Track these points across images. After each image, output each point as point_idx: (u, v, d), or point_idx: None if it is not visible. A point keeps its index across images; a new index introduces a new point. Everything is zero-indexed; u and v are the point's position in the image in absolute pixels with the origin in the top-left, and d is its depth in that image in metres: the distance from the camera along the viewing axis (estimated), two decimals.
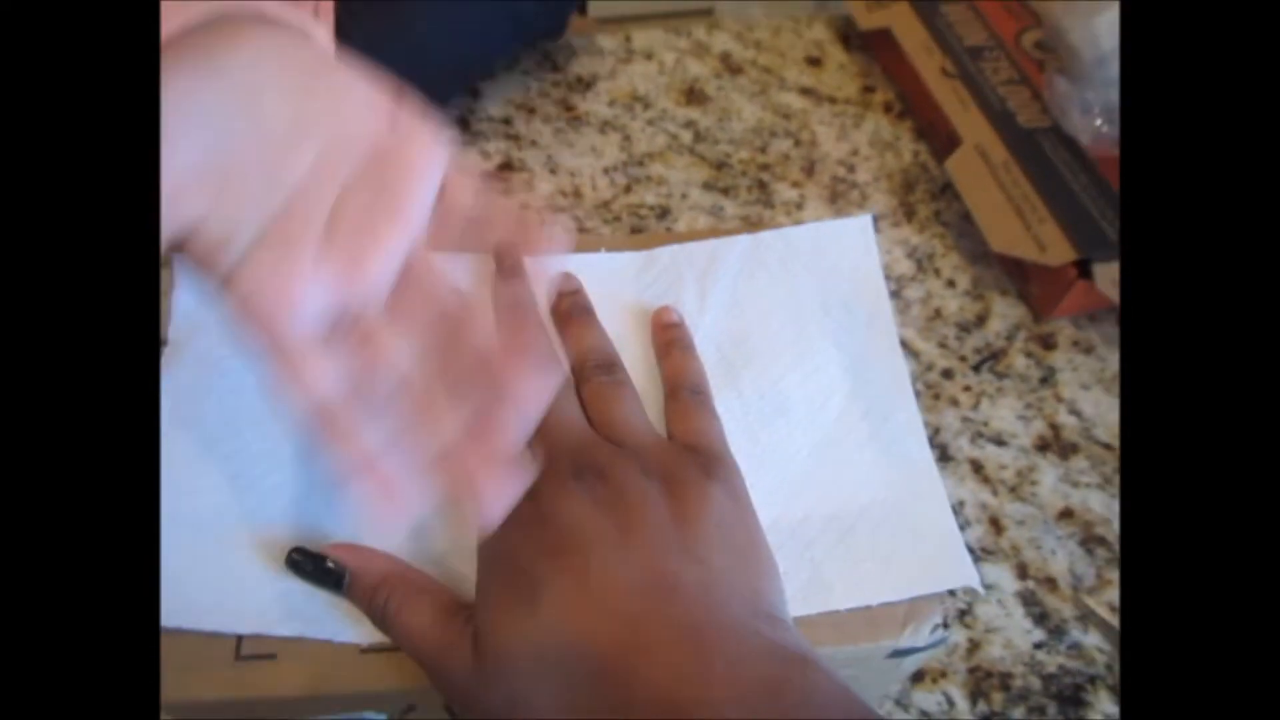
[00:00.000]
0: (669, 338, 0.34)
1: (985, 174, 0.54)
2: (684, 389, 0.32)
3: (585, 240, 0.37)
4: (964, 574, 0.30)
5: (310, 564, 0.27)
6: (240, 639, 0.27)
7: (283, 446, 0.31)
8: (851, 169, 0.62)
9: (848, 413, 0.33)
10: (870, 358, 0.34)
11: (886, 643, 0.29)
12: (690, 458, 0.29)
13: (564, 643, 0.24)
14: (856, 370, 0.34)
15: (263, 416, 0.31)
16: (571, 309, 0.34)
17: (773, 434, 0.32)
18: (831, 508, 0.31)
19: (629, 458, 0.28)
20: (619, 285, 0.35)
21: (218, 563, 0.28)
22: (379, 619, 0.27)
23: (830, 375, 0.34)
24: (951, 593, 0.33)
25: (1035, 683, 0.41)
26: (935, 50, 0.61)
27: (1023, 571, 0.44)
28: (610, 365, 0.32)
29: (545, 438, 0.28)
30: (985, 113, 0.57)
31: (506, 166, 0.62)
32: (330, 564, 0.27)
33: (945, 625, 0.30)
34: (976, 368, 0.52)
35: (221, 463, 0.30)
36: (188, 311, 0.33)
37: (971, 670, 0.42)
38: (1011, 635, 0.43)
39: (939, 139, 0.61)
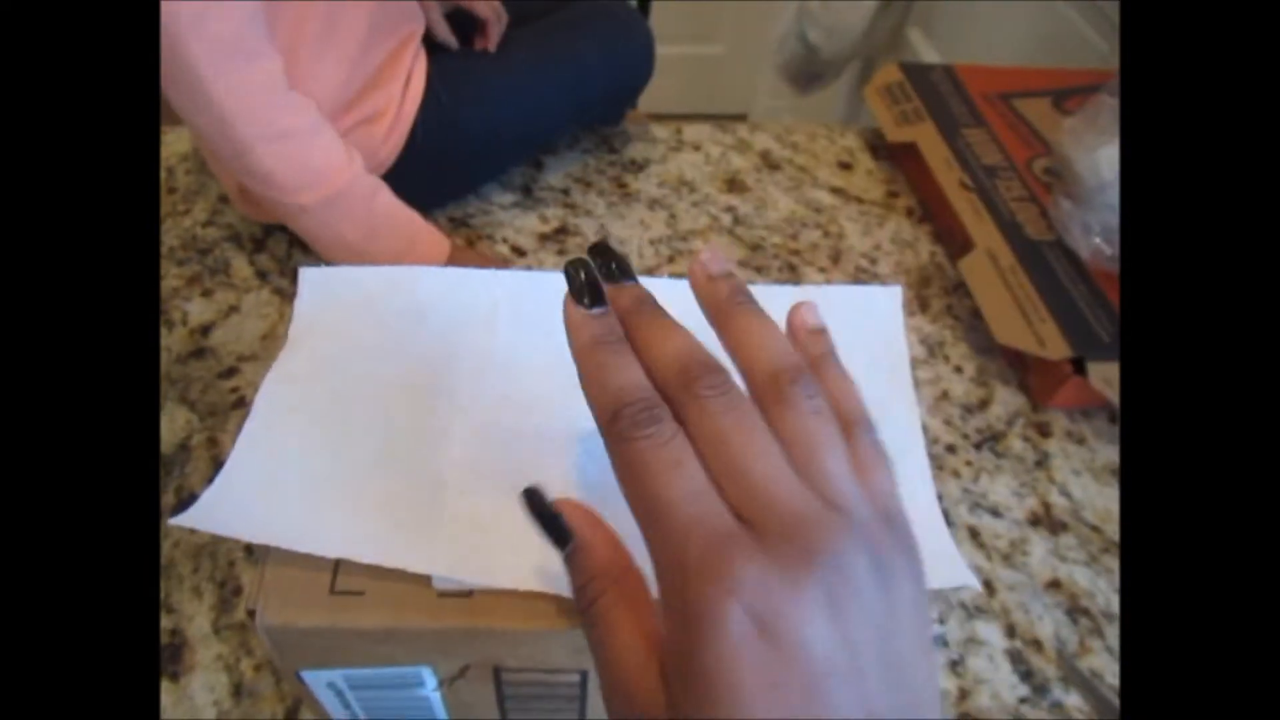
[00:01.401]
0: (820, 349, 0.26)
1: (994, 275, 0.60)
2: (858, 426, 0.24)
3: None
4: (958, 573, 0.33)
5: (543, 510, 0.23)
6: (335, 574, 0.31)
7: (384, 414, 0.35)
8: (874, 261, 0.68)
9: None
10: (888, 407, 0.37)
11: None
12: (888, 527, 0.22)
13: None
14: (874, 414, 0.38)
15: (365, 396, 0.35)
16: (733, 295, 0.25)
17: None
18: None
19: (848, 535, 0.21)
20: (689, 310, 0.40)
21: (320, 499, 0.32)
22: (585, 607, 0.23)
23: None
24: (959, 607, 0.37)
25: None
26: (955, 166, 0.68)
27: (1011, 631, 0.48)
28: (811, 386, 0.23)
29: (754, 498, 0.21)
30: (997, 223, 0.64)
31: (562, 230, 0.68)
32: (561, 522, 0.23)
33: (942, 621, 0.32)
34: (978, 446, 0.57)
35: (325, 429, 0.35)
36: (306, 316, 0.38)
37: (960, 717, 0.45)
38: (999, 688, 0.46)
39: (954, 243, 0.68)
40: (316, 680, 0.34)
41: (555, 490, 0.25)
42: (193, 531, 0.49)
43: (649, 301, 0.24)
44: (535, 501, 0.24)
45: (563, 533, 0.23)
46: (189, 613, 0.46)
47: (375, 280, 0.39)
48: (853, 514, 0.21)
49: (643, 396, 0.22)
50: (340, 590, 0.30)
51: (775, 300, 0.41)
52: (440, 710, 0.37)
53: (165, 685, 0.44)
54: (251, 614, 0.30)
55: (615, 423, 0.22)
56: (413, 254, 0.59)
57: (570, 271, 0.24)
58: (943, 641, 0.33)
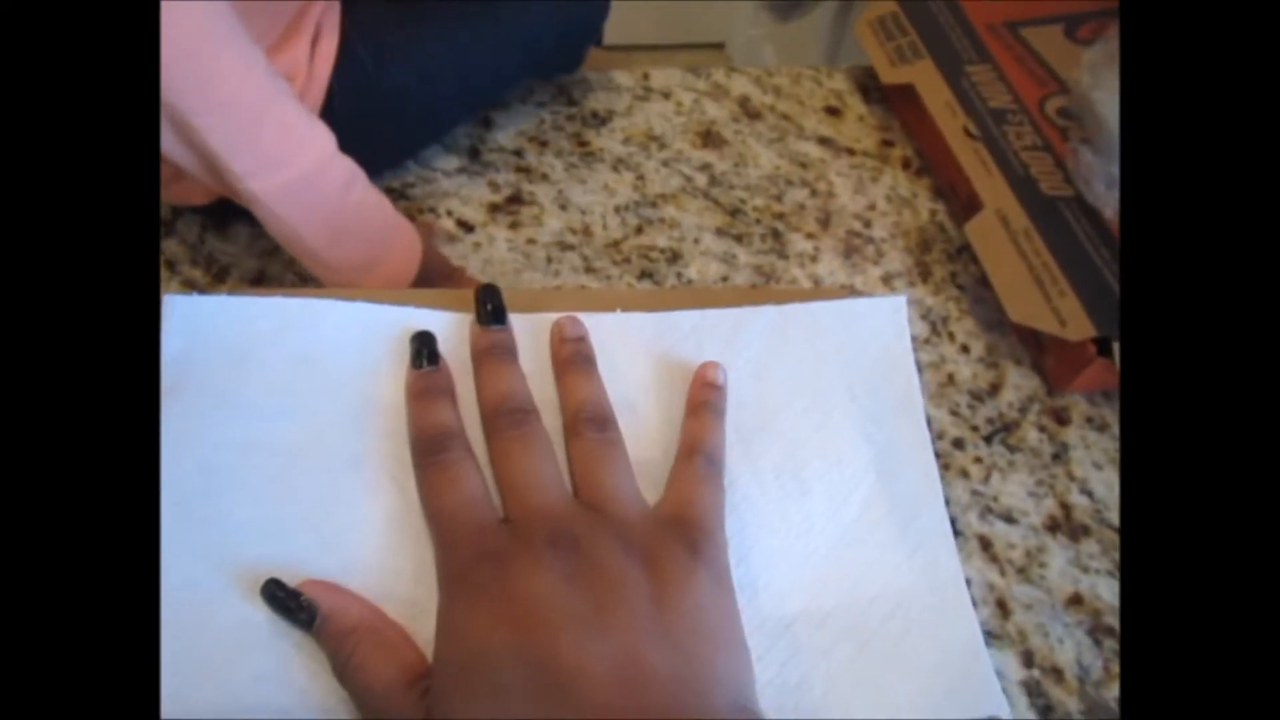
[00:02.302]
0: (705, 398, 0.31)
1: (1005, 241, 0.53)
2: (700, 454, 0.29)
3: (599, 296, 0.35)
4: (992, 702, 0.28)
5: (285, 597, 0.25)
6: None
7: (265, 500, 0.28)
8: (868, 224, 0.60)
9: (871, 508, 0.31)
10: (898, 451, 0.32)
11: None
12: (678, 532, 0.27)
13: None
14: (882, 463, 0.32)
15: (245, 469, 0.29)
16: (572, 356, 0.31)
17: (790, 521, 0.30)
18: (851, 613, 0.29)
19: (610, 529, 0.26)
20: (635, 346, 0.33)
21: (189, 636, 0.26)
22: (340, 667, 0.25)
23: (855, 467, 0.31)
24: None
25: None
26: (958, 110, 0.60)
27: (1029, 659, 0.43)
28: (603, 421, 0.29)
29: (519, 501, 0.27)
30: (1007, 178, 0.56)
31: (515, 199, 0.60)
32: (304, 600, 0.25)
33: None
34: (988, 439, 0.50)
35: (199, 520, 0.28)
36: (175, 358, 0.31)
37: None
38: None
39: (958, 200, 0.60)
40: None
41: None
42: None
43: (499, 347, 0.31)
44: (274, 591, 0.25)
45: (308, 610, 0.25)
46: None
47: (263, 313, 0.32)
48: (614, 515, 0.27)
49: (439, 433, 0.28)
50: None
51: (755, 322, 0.34)
52: None
53: None
54: None
55: (416, 453, 0.28)
56: (384, 264, 0.51)
57: (414, 344, 0.31)
58: None
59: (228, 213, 0.56)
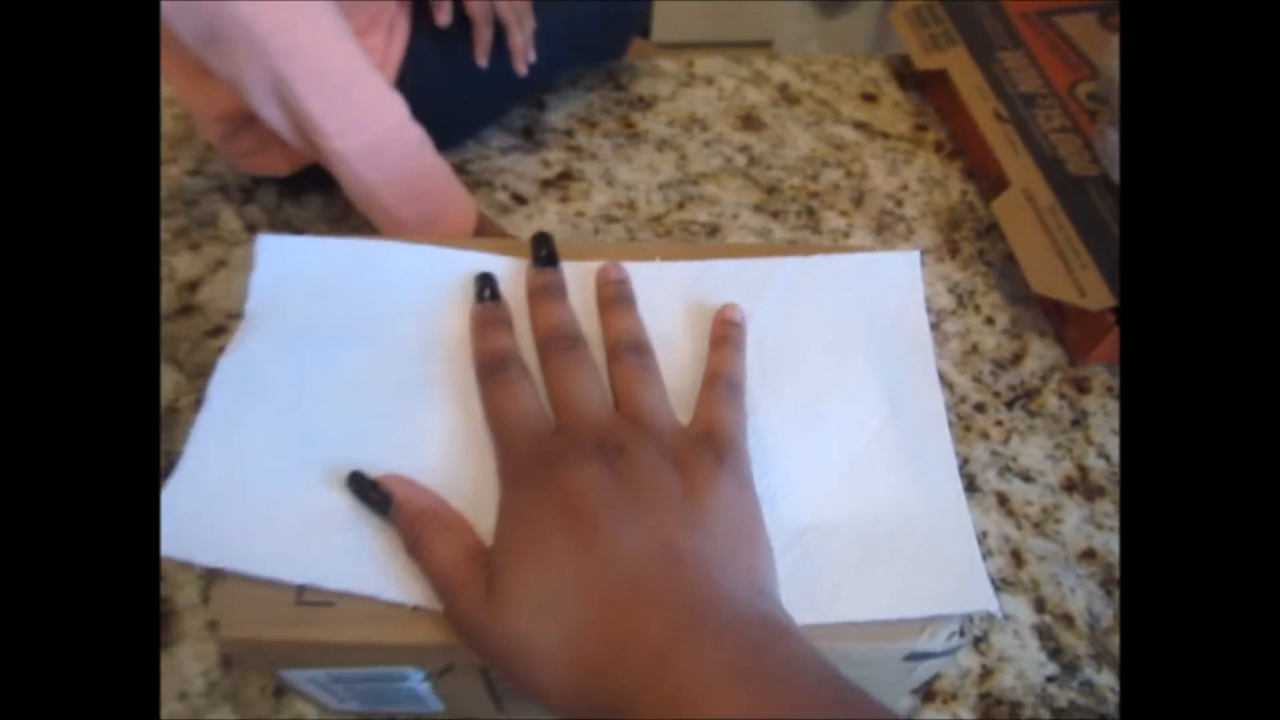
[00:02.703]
0: (725, 333, 0.34)
1: (1031, 217, 0.56)
2: (721, 380, 0.33)
3: (640, 249, 0.38)
4: (983, 598, 0.31)
5: (366, 487, 0.29)
6: (301, 587, 0.29)
7: (344, 412, 0.32)
8: (900, 203, 0.63)
9: (882, 438, 0.34)
10: (908, 389, 0.35)
11: (904, 644, 0.30)
12: (706, 444, 0.30)
13: (569, 593, 0.25)
14: (894, 400, 0.35)
15: (327, 385, 0.33)
16: (614, 296, 0.35)
17: (807, 445, 0.33)
18: (860, 525, 0.31)
19: (648, 438, 0.29)
20: (671, 291, 0.37)
21: (282, 515, 0.30)
22: (412, 546, 0.29)
23: (868, 400, 0.34)
24: (970, 618, 0.34)
25: (1045, 715, 0.42)
26: (989, 94, 0.63)
27: (1040, 606, 0.45)
28: (641, 348, 0.33)
29: (569, 413, 0.30)
30: (1035, 158, 0.58)
31: (565, 176, 0.64)
32: (382, 489, 0.29)
33: (961, 633, 0.31)
34: (1009, 404, 0.53)
35: (287, 424, 0.32)
36: (264, 291, 0.35)
37: (982, 696, 0.42)
38: (1025, 666, 0.43)
39: (987, 180, 0.62)
40: (297, 677, 0.32)
41: None
42: None
43: (552, 286, 0.35)
44: (358, 482, 0.29)
45: (384, 498, 0.29)
46: (178, 581, 0.45)
47: (341, 253, 0.36)
48: (650, 427, 0.30)
49: (501, 356, 0.32)
50: (307, 601, 0.28)
51: (779, 273, 0.37)
52: (432, 698, 0.35)
53: None
54: (214, 625, 0.28)
55: (479, 373, 0.32)
56: (444, 222, 0.55)
57: (478, 282, 0.35)
58: (958, 648, 0.31)
59: (302, 183, 0.61)
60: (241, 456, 0.31)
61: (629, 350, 0.33)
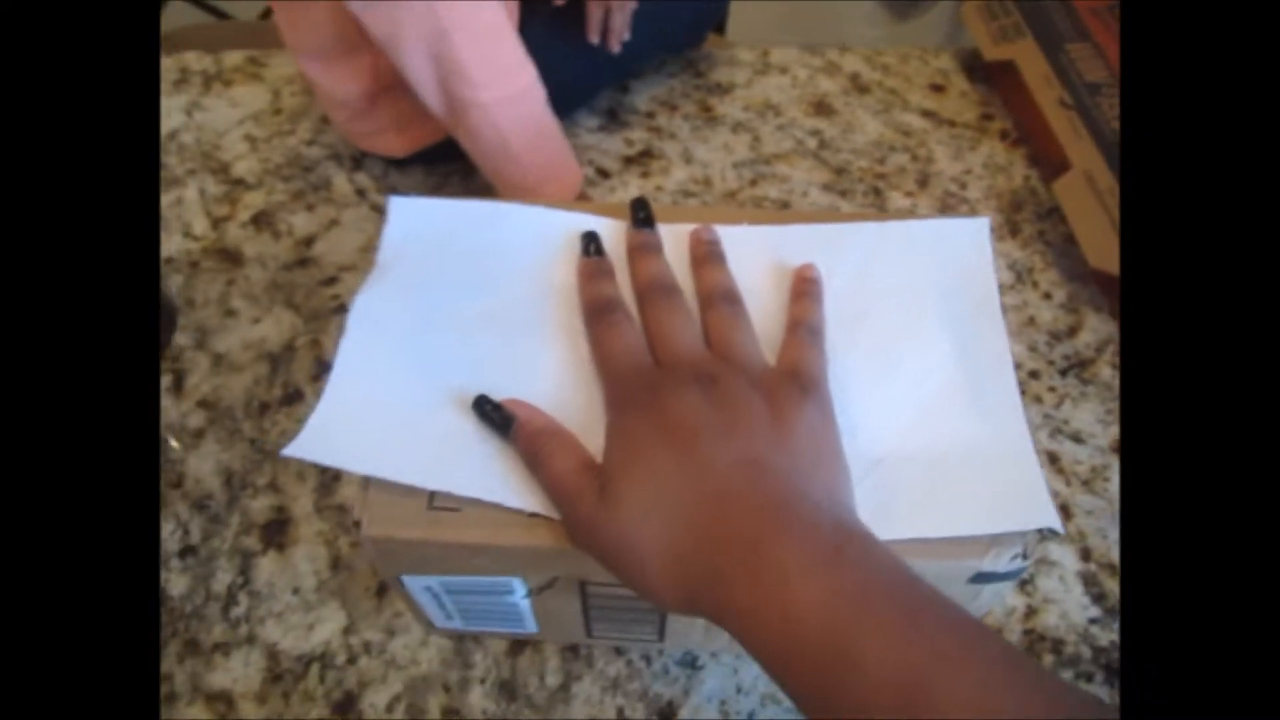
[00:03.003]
0: (804, 288, 0.38)
1: (1090, 197, 0.58)
2: (803, 326, 0.36)
3: (730, 213, 0.42)
4: (1046, 516, 0.33)
5: (490, 409, 0.33)
6: (433, 492, 0.33)
7: (468, 344, 0.37)
8: (964, 186, 0.66)
9: (952, 380, 0.36)
10: (976, 339, 0.37)
11: (970, 562, 0.32)
12: (791, 379, 0.33)
13: (671, 495, 0.29)
14: (963, 348, 0.37)
15: (452, 321, 0.37)
16: (707, 254, 0.38)
17: (882, 386, 0.35)
18: (931, 455, 0.34)
19: (739, 371, 0.32)
20: (758, 252, 0.39)
21: (416, 432, 0.34)
22: (532, 460, 0.32)
23: (939, 348, 0.37)
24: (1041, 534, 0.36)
25: (1086, 652, 0.44)
26: (1055, 83, 0.65)
27: (1086, 555, 0.48)
28: (732, 297, 0.36)
29: (668, 350, 0.34)
30: (1097, 143, 0.61)
31: (646, 154, 0.69)
32: (504, 412, 0.33)
33: (1025, 555, 0.32)
34: (1063, 372, 0.55)
35: (419, 353, 0.36)
36: (394, 243, 0.40)
37: (1026, 632, 0.45)
38: (1068, 608, 0.46)
39: (1050, 166, 0.65)
40: (415, 584, 0.36)
41: None
42: (298, 421, 0.53)
43: (650, 244, 0.38)
44: (482, 404, 0.33)
45: (505, 420, 0.33)
46: (294, 494, 0.50)
47: (463, 213, 0.41)
48: (741, 363, 0.33)
49: (606, 301, 0.36)
50: (438, 506, 0.33)
51: (857, 236, 0.41)
52: (529, 616, 0.40)
53: (271, 556, 0.48)
54: (358, 524, 0.32)
55: (587, 316, 0.36)
56: (560, 178, 0.60)
57: (584, 239, 0.39)
58: (1021, 570, 0.33)
59: (408, 157, 0.67)
60: (380, 380, 0.35)
61: (721, 299, 0.36)
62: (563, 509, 0.31)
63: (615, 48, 0.67)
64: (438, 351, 0.36)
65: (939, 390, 0.36)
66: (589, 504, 0.30)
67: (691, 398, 0.31)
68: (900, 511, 0.32)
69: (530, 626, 0.41)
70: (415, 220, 0.41)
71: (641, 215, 0.39)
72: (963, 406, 0.36)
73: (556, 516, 0.32)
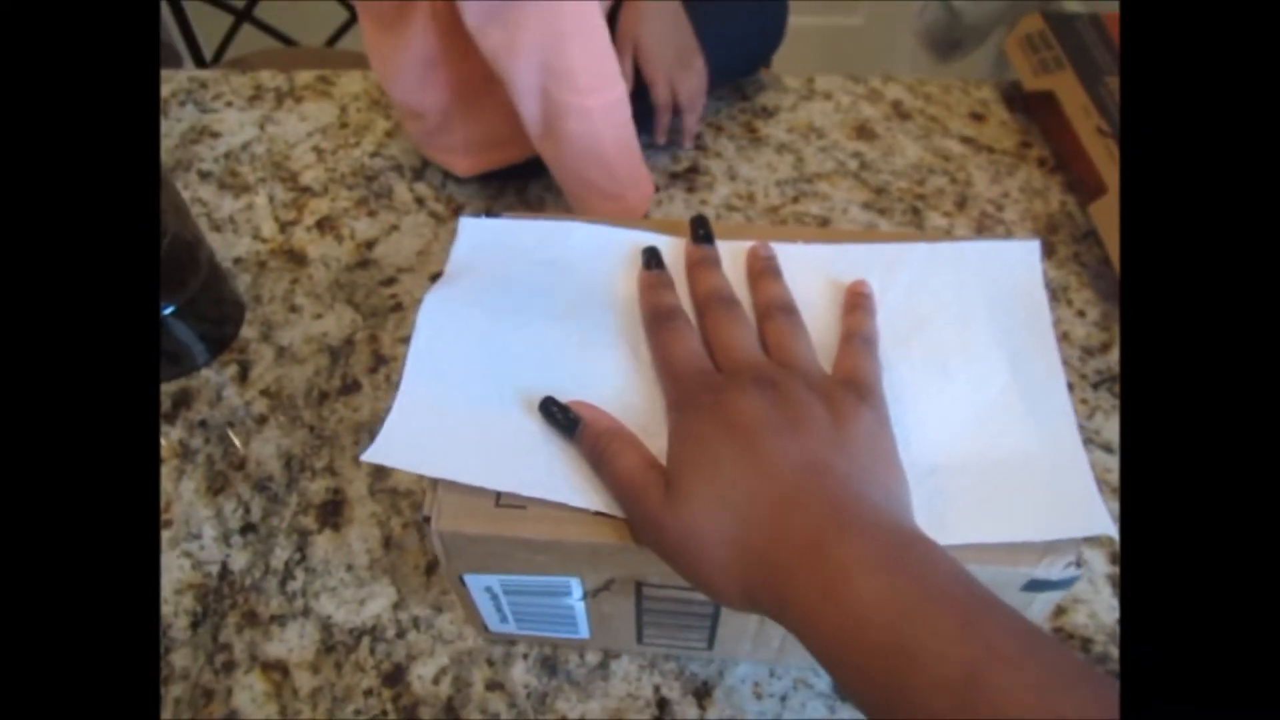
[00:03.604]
0: (857, 302, 0.39)
1: None
2: (857, 337, 0.37)
3: (786, 232, 0.43)
4: (1100, 523, 0.33)
5: (557, 410, 0.34)
6: (499, 493, 0.34)
7: (534, 349, 0.38)
8: (1000, 208, 0.68)
9: (1005, 392, 0.37)
10: (1028, 354, 0.38)
11: (1024, 570, 0.32)
12: (848, 386, 0.34)
13: (735, 492, 0.29)
14: (1015, 362, 0.38)
15: (518, 326, 0.39)
16: (764, 268, 0.40)
17: (937, 397, 0.36)
18: (985, 465, 0.35)
19: (798, 377, 0.33)
20: (813, 268, 0.41)
21: (484, 434, 0.35)
22: (597, 460, 0.33)
23: (991, 362, 0.38)
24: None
25: (1113, 650, 0.45)
26: (1093, 112, 0.67)
27: (1115, 559, 0.49)
28: (790, 309, 0.37)
29: (729, 356, 0.35)
30: None
31: (693, 170, 0.72)
32: (570, 413, 0.34)
33: (1077, 564, 0.33)
34: (1095, 385, 0.56)
35: (486, 356, 0.38)
36: (462, 256, 0.42)
37: (1055, 630, 0.46)
38: (1097, 609, 0.47)
39: (1086, 192, 0.67)
40: (476, 583, 0.38)
41: None
42: (355, 410, 0.56)
43: (709, 259, 0.40)
44: (549, 406, 0.35)
45: (571, 421, 0.34)
46: (349, 477, 0.53)
47: (529, 230, 0.43)
48: (800, 370, 0.34)
49: (668, 309, 0.37)
50: (505, 504, 0.34)
51: (910, 255, 0.42)
52: (582, 620, 0.41)
53: (327, 534, 0.50)
54: (427, 520, 0.34)
55: (649, 323, 0.38)
56: (637, 186, 0.63)
57: (645, 253, 0.41)
58: (1075, 579, 0.34)
59: None
60: (449, 382, 0.36)
61: (779, 310, 0.37)
62: (628, 505, 0.32)
63: (688, 145, 0.71)
64: (505, 354, 0.38)
65: (993, 400, 0.37)
66: (654, 500, 0.31)
67: (753, 399, 0.31)
68: (955, 518, 0.33)
69: (583, 631, 0.42)
70: (484, 237, 0.43)
71: (701, 232, 0.41)
72: (1017, 416, 0.36)
73: (620, 515, 0.33)
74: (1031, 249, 0.42)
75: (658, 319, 0.37)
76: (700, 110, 0.70)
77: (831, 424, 0.31)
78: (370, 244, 0.67)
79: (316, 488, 0.52)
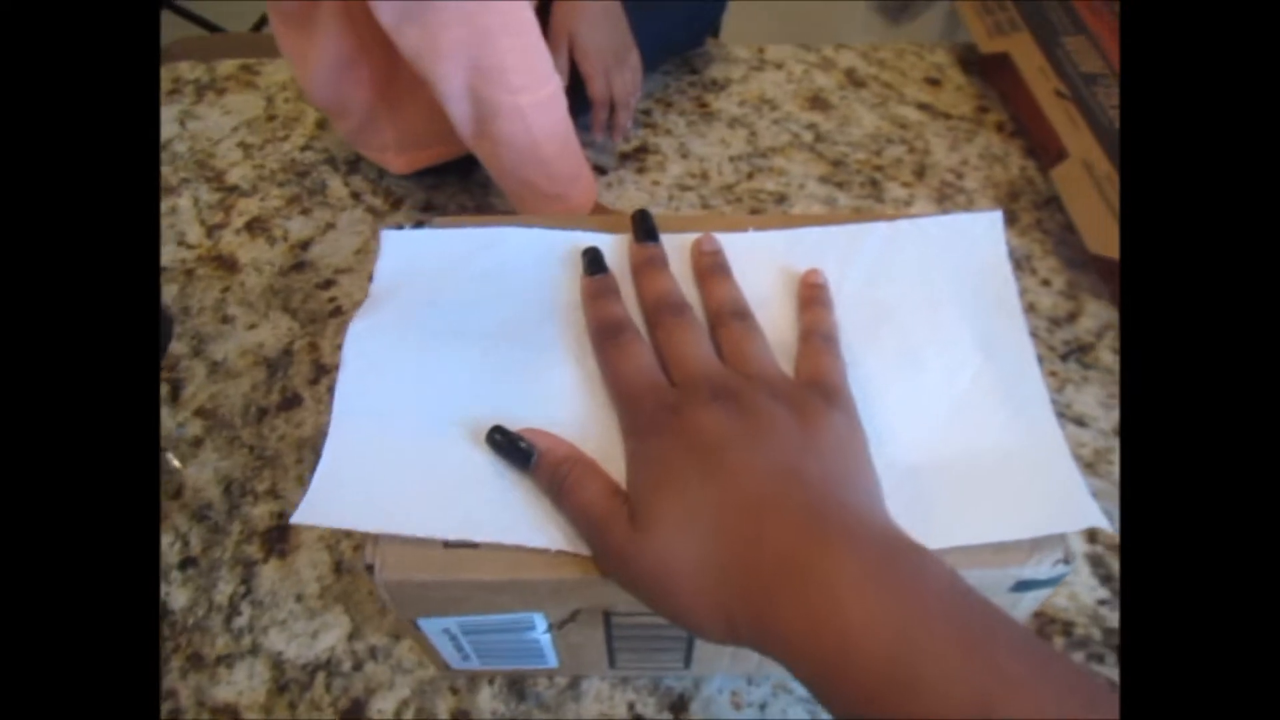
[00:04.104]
0: (811, 294, 0.36)
1: (1088, 184, 0.58)
2: (816, 335, 0.34)
3: (733, 220, 0.40)
4: (1088, 515, 0.32)
5: (505, 440, 0.31)
6: (446, 542, 0.31)
7: (473, 373, 0.35)
8: (960, 176, 0.66)
9: (979, 382, 0.35)
10: (999, 336, 0.36)
11: (1012, 570, 0.31)
12: (813, 388, 0.31)
13: (703, 513, 0.27)
14: (987, 347, 0.36)
15: (455, 349, 0.36)
16: (711, 266, 0.37)
17: (908, 391, 0.34)
18: (964, 461, 0.33)
19: (759, 384, 0.31)
20: (765, 258, 0.38)
21: (425, 477, 0.32)
22: (556, 492, 0.30)
23: (962, 349, 0.36)
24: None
25: (1096, 633, 0.44)
26: (1051, 75, 0.66)
27: (1092, 537, 0.48)
28: (743, 313, 0.35)
29: (684, 369, 0.32)
30: (1095, 131, 0.61)
31: (643, 150, 0.69)
32: (523, 443, 0.31)
33: (1066, 561, 0.31)
34: (1064, 357, 0.55)
35: (421, 388, 0.35)
36: (387, 274, 0.39)
37: (1036, 614, 0.45)
38: (1077, 590, 0.46)
39: (1047, 156, 0.65)
40: (432, 627, 0.35)
41: None
42: (297, 426, 0.53)
43: (655, 259, 0.37)
44: (497, 436, 0.32)
45: (524, 452, 0.31)
46: (294, 499, 0.50)
47: (458, 240, 0.39)
48: (760, 377, 0.31)
49: (614, 321, 0.34)
50: (455, 543, 0.31)
51: (867, 237, 0.40)
52: (549, 652, 0.38)
53: (273, 563, 0.47)
54: (370, 568, 0.31)
55: (595, 338, 0.35)
56: (578, 183, 0.59)
57: (586, 256, 0.38)
58: (1063, 575, 0.32)
59: None
60: (382, 423, 0.33)
61: (732, 316, 0.35)
62: (592, 538, 0.30)
63: (619, 141, 0.68)
64: (443, 384, 0.35)
65: (968, 390, 0.35)
66: (620, 531, 0.29)
67: (714, 414, 0.29)
68: (939, 520, 0.31)
69: (551, 661, 0.40)
70: (410, 251, 0.39)
71: (644, 229, 0.38)
72: (993, 405, 0.34)
73: (582, 552, 0.31)
74: (994, 220, 0.40)
75: (604, 333, 0.34)
76: (634, 107, 0.67)
77: (799, 430, 0.29)
78: (305, 245, 0.63)
79: (260, 513, 0.49)
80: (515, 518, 0.31)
